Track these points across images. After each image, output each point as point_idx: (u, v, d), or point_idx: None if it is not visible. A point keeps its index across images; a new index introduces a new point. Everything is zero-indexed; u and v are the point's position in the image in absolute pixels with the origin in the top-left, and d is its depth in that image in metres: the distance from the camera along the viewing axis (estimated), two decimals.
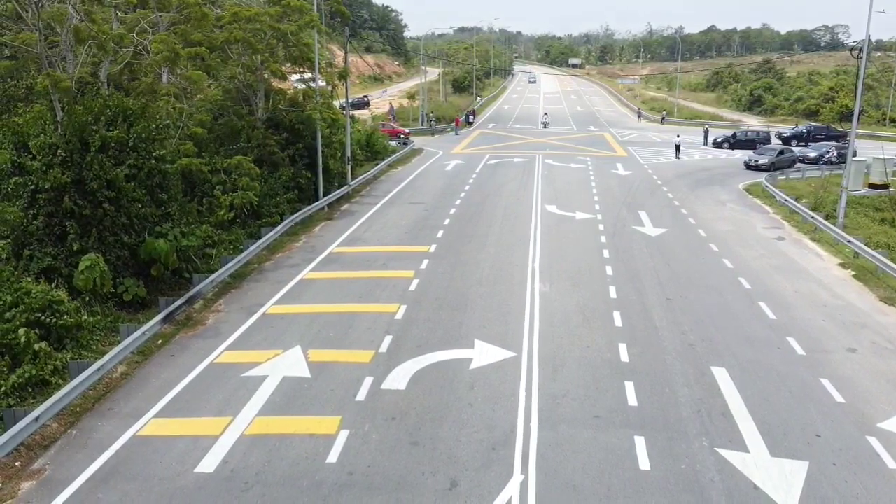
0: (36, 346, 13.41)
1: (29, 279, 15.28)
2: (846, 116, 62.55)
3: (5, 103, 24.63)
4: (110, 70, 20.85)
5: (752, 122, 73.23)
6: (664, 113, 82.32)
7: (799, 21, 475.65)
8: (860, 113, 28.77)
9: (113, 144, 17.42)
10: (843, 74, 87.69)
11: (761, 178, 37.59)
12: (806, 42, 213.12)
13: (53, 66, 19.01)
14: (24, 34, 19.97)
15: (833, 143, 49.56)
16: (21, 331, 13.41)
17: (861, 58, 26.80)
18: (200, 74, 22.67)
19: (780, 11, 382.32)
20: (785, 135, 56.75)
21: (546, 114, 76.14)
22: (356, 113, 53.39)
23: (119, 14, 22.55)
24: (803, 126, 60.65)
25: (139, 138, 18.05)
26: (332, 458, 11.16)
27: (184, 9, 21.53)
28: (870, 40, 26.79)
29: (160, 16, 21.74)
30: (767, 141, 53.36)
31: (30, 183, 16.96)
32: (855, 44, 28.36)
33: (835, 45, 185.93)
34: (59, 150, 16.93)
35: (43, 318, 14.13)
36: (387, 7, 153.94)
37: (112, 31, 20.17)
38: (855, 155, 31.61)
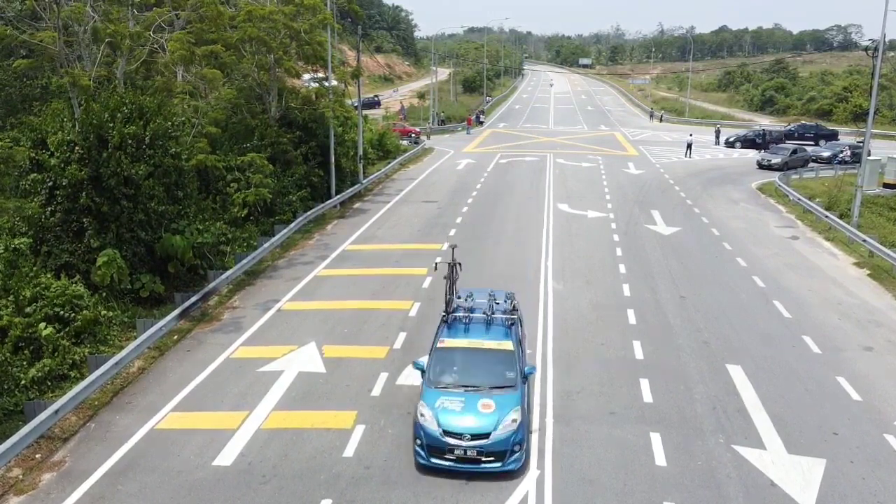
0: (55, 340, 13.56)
1: (48, 275, 15.44)
2: (859, 116, 62.24)
3: (20, 102, 24.90)
4: (126, 68, 21.01)
5: (763, 122, 72.86)
6: (662, 112, 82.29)
7: (811, 21, 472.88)
8: (875, 112, 28.52)
9: (130, 141, 17.55)
10: (856, 74, 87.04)
11: (774, 177, 37.42)
12: (818, 42, 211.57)
13: (70, 64, 19.20)
14: (41, 33, 20.14)
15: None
16: (41, 325, 13.55)
17: (876, 56, 26.62)
18: (216, 73, 22.83)
19: (792, 11, 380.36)
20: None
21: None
22: (367, 113, 53.50)
23: (135, 13, 22.70)
24: (793, 125, 61.27)
25: (156, 135, 18.18)
26: (349, 451, 11.22)
27: (199, 7, 21.65)
28: (885, 39, 26.58)
29: (176, 14, 21.88)
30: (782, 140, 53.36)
31: (48, 179, 17.15)
32: (870, 42, 28.12)
33: (847, 45, 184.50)
34: (77, 147, 17.09)
35: (63, 312, 14.28)
36: (397, 7, 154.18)
37: (129, 30, 20.33)
38: (869, 154, 31.44)
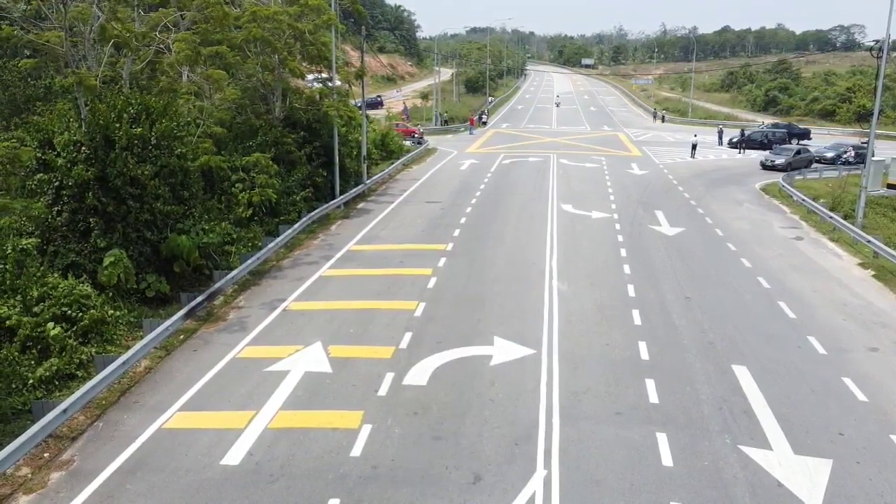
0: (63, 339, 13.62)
1: (55, 275, 15.49)
2: (863, 117, 62.34)
3: (24, 102, 24.95)
4: (132, 69, 21.05)
5: (766, 123, 72.90)
6: (663, 113, 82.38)
7: (814, 21, 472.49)
8: (879, 113, 28.50)
9: (136, 142, 17.60)
10: (859, 75, 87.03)
11: (777, 178, 37.42)
12: (821, 42, 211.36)
13: (76, 64, 19.23)
14: (47, 33, 20.17)
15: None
16: (49, 325, 13.60)
17: (880, 56, 26.60)
18: (221, 73, 22.87)
19: (795, 11, 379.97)
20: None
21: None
22: (370, 113, 53.54)
23: (140, 13, 22.75)
24: (766, 125, 61.99)
25: (162, 136, 18.23)
26: (356, 451, 11.25)
27: (204, 8, 21.69)
28: (889, 39, 26.55)
29: (182, 15, 21.93)
30: (785, 140, 53.43)
31: (54, 179, 17.19)
32: (874, 42, 28.11)
33: (850, 46, 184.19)
34: (84, 147, 17.14)
35: (70, 312, 14.33)
36: (400, 7, 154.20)
37: (136, 30, 20.38)
38: (873, 155, 31.42)
